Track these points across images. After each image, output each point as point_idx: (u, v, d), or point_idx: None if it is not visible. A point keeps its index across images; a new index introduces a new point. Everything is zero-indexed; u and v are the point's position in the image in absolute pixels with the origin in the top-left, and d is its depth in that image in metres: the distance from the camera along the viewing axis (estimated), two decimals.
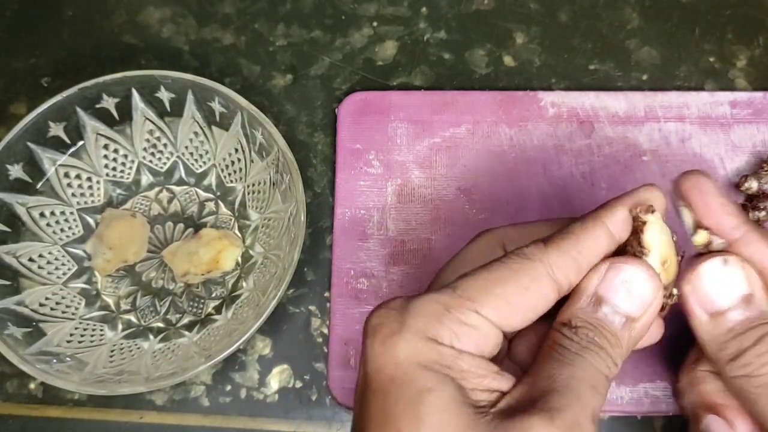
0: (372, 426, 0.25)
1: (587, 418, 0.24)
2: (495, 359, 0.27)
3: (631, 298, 0.26)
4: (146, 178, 0.44)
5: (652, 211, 0.27)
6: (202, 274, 0.41)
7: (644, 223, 0.27)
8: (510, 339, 0.30)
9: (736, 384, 0.27)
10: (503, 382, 0.26)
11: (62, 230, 0.43)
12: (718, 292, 0.28)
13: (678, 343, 0.41)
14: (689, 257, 0.29)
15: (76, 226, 0.43)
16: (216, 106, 0.42)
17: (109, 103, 0.42)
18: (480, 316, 0.25)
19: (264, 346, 0.42)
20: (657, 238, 0.27)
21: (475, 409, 0.25)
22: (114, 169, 0.44)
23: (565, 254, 0.26)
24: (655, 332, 0.29)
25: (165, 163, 0.44)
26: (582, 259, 0.27)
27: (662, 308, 0.28)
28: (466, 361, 0.25)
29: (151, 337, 0.41)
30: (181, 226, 0.44)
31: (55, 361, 0.38)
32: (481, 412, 0.25)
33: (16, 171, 0.40)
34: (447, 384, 0.24)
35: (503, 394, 0.26)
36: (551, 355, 0.26)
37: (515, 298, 0.26)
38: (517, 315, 0.26)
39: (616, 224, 0.28)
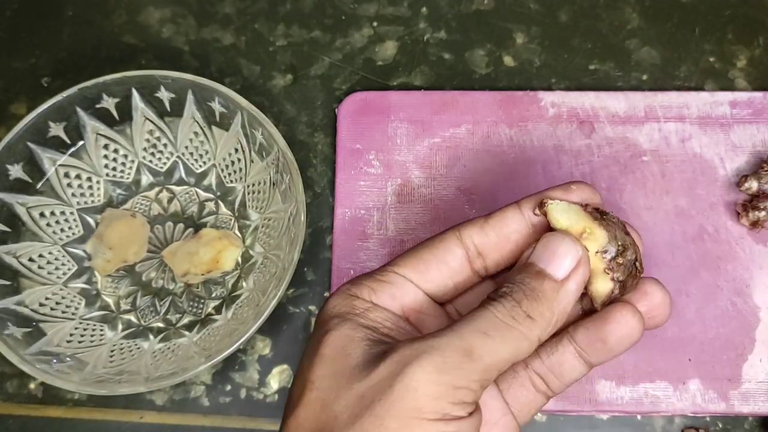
0: (294, 379, 0.28)
1: (453, 348, 0.25)
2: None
3: (556, 261, 0.28)
4: (146, 178, 0.44)
5: (550, 202, 0.30)
6: (202, 274, 0.41)
7: (545, 212, 0.29)
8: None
9: None
10: (407, 334, 0.28)
11: (62, 230, 0.43)
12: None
13: (677, 343, 0.41)
14: None
15: (76, 226, 0.43)
16: (216, 106, 0.42)
17: (109, 103, 0.42)
18: (396, 274, 0.29)
19: (264, 346, 0.42)
20: (559, 216, 0.29)
21: (369, 343, 0.27)
22: (114, 169, 0.44)
23: (472, 222, 0.30)
24: (660, 313, 0.30)
25: (165, 163, 0.44)
26: (486, 227, 0.29)
27: (624, 282, 0.29)
28: (376, 312, 0.28)
29: (151, 337, 0.41)
30: (181, 226, 0.44)
31: (55, 361, 0.38)
32: (373, 346, 0.27)
33: (16, 171, 0.40)
34: (346, 323, 0.27)
35: None
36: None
37: (425, 255, 0.29)
38: (431, 269, 0.29)
39: (524, 201, 0.30)
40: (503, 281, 0.28)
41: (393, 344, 0.26)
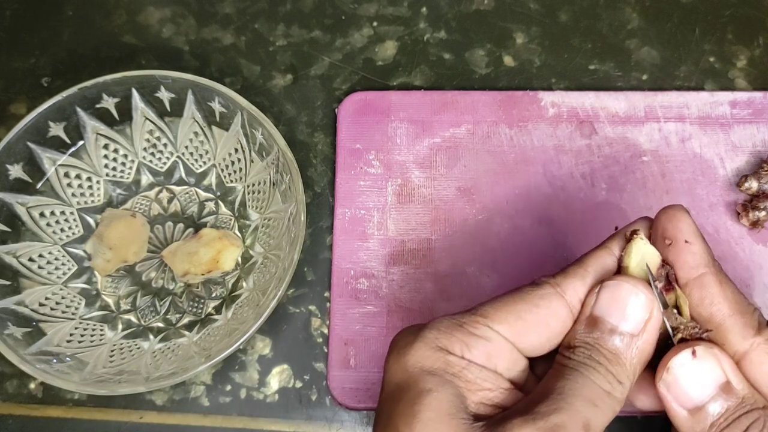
0: (378, 428, 0.26)
1: (575, 425, 0.24)
2: (523, 389, 0.27)
3: (625, 316, 0.26)
4: (146, 178, 0.44)
5: (637, 233, 0.28)
6: (202, 274, 0.41)
7: (629, 242, 0.28)
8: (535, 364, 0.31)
9: None
10: (512, 397, 0.26)
11: (62, 230, 0.43)
12: (693, 385, 0.26)
13: None
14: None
15: (76, 226, 0.43)
16: (216, 106, 0.42)
17: (109, 103, 0.42)
18: (491, 329, 0.26)
19: (264, 346, 0.42)
20: (638, 254, 0.27)
21: (470, 417, 0.25)
22: (114, 169, 0.44)
23: (571, 275, 0.27)
24: None
25: (165, 163, 0.44)
26: (589, 277, 0.27)
27: (677, 330, 0.27)
28: (474, 371, 0.26)
29: (151, 337, 0.41)
30: (181, 226, 0.44)
31: (55, 361, 0.38)
32: (476, 419, 0.25)
33: (16, 171, 0.40)
34: (446, 387, 0.25)
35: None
36: (552, 375, 0.26)
37: (526, 314, 0.27)
38: (530, 331, 0.27)
39: (618, 245, 0.28)
40: (573, 338, 0.27)
41: (504, 416, 0.25)
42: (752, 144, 0.44)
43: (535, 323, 0.27)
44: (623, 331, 0.26)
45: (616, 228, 0.42)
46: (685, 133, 0.44)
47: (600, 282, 0.27)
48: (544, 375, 0.29)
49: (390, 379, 0.27)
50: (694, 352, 0.26)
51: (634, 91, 0.46)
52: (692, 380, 0.26)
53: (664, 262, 0.28)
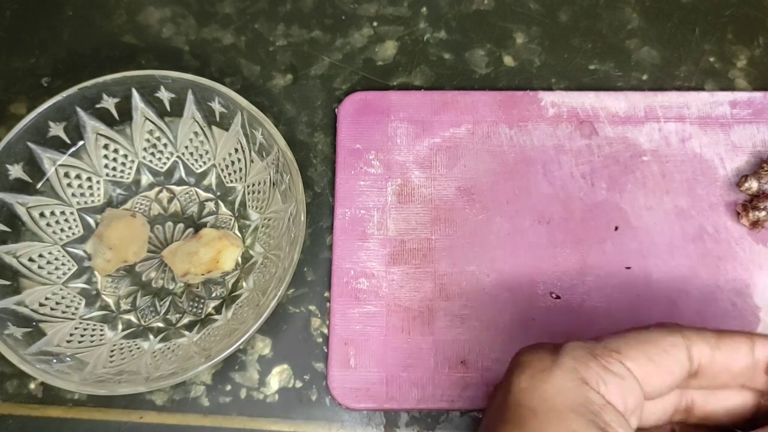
0: None
1: None
2: None
3: None
4: (146, 178, 0.44)
5: None
6: (202, 274, 0.41)
7: None
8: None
9: None
10: None
11: (62, 230, 0.43)
12: None
13: None
14: None
15: (76, 226, 0.43)
16: (216, 106, 0.42)
17: (109, 103, 0.42)
18: (624, 366, 0.26)
19: (264, 346, 0.42)
20: None
21: None
22: (114, 169, 0.44)
23: (702, 336, 0.27)
24: None
25: (165, 163, 0.44)
26: (718, 350, 0.27)
27: None
28: (610, 414, 0.25)
29: (151, 337, 0.41)
30: (181, 226, 0.44)
31: (55, 361, 0.38)
32: None
33: (16, 171, 0.40)
34: (592, 430, 0.24)
35: None
36: None
37: (656, 356, 0.26)
38: (656, 375, 0.26)
39: (760, 346, 0.27)
40: None
41: None
42: (752, 144, 0.44)
43: (663, 368, 0.26)
44: None
45: (616, 228, 0.42)
46: (685, 133, 0.44)
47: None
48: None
49: (521, 402, 0.26)
50: None
51: (634, 91, 0.46)
52: None
53: None
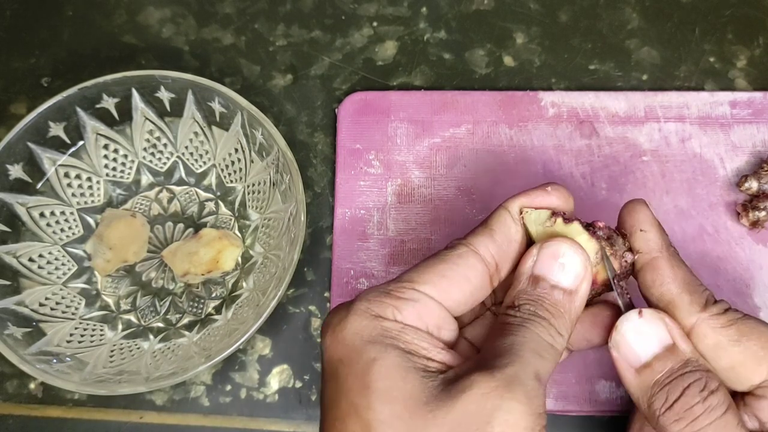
0: (328, 408, 0.27)
1: (528, 375, 0.26)
2: (455, 350, 0.29)
3: (565, 272, 0.28)
4: (146, 178, 0.44)
5: (521, 211, 0.30)
6: (202, 274, 0.41)
7: (522, 219, 0.30)
8: (464, 330, 0.32)
9: None
10: (449, 356, 0.28)
11: (62, 230, 0.43)
12: (639, 344, 0.28)
13: None
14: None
15: (76, 226, 0.43)
16: (216, 106, 0.42)
17: (109, 103, 0.42)
18: (417, 291, 0.28)
19: (264, 346, 0.42)
20: (532, 223, 0.30)
21: (422, 373, 0.26)
22: (114, 169, 0.44)
23: (479, 234, 0.30)
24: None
25: (165, 163, 0.44)
26: (495, 235, 0.30)
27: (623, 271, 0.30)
28: (410, 333, 0.27)
29: (151, 337, 0.41)
30: (181, 226, 0.44)
31: (55, 361, 0.38)
32: (428, 377, 0.26)
33: (16, 171, 0.40)
34: (391, 351, 0.26)
35: (450, 368, 0.27)
36: (497, 332, 0.28)
37: (447, 272, 0.28)
38: (453, 287, 0.28)
39: (513, 209, 0.30)
40: (517, 293, 0.28)
41: (458, 373, 0.26)
42: (752, 144, 0.44)
43: (457, 279, 0.28)
44: (564, 287, 0.28)
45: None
46: (685, 133, 0.44)
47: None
48: (475, 338, 0.32)
49: (330, 358, 0.28)
50: (640, 313, 0.29)
51: (634, 91, 0.46)
52: (639, 338, 0.28)
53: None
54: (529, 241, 0.31)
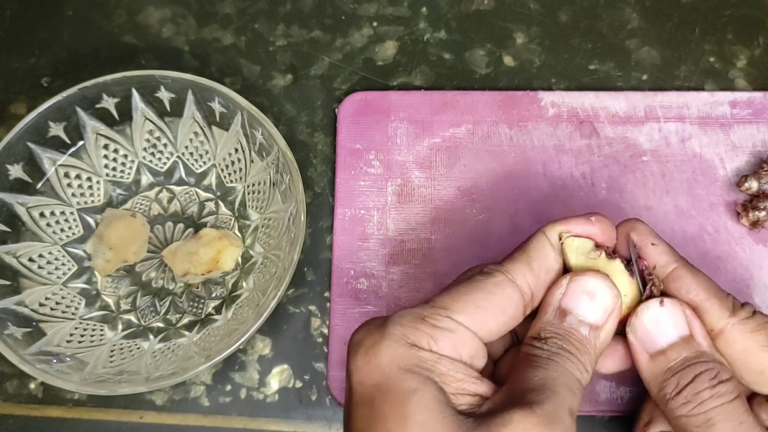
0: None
1: (565, 413, 0.26)
2: (483, 374, 0.29)
3: (594, 307, 0.28)
4: (146, 178, 0.44)
5: (561, 236, 0.30)
6: (202, 274, 0.41)
7: (561, 245, 0.30)
8: (495, 361, 0.32)
9: (678, 425, 0.28)
10: (483, 386, 0.27)
11: (62, 230, 0.43)
12: (657, 332, 0.29)
13: None
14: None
15: (76, 226, 0.43)
16: (216, 106, 0.42)
17: (109, 103, 0.42)
18: (453, 320, 0.28)
19: (264, 346, 0.42)
20: (571, 250, 0.30)
21: (457, 410, 0.26)
22: (114, 169, 0.44)
23: (517, 261, 0.29)
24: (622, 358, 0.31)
25: (165, 163, 0.44)
26: (534, 263, 0.29)
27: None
28: (445, 364, 0.27)
29: (151, 337, 0.41)
30: (181, 226, 0.44)
31: (55, 361, 0.38)
32: (464, 413, 0.26)
33: (16, 171, 0.40)
34: (430, 385, 0.26)
35: (484, 399, 0.27)
36: (525, 364, 0.28)
37: (483, 302, 0.28)
38: (489, 318, 0.28)
39: (552, 236, 0.30)
40: (542, 326, 0.28)
41: (492, 409, 0.26)
42: (752, 144, 0.44)
43: (493, 311, 0.28)
44: (590, 323, 0.28)
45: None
46: (685, 133, 0.44)
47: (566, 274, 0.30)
48: (497, 357, 0.32)
49: (362, 382, 0.27)
50: (662, 302, 0.29)
51: (634, 91, 0.46)
52: (657, 326, 0.29)
53: (597, 245, 0.30)
54: (564, 268, 0.31)
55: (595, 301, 0.28)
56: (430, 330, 0.27)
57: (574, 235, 0.30)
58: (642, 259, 0.30)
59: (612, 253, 0.30)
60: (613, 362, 0.31)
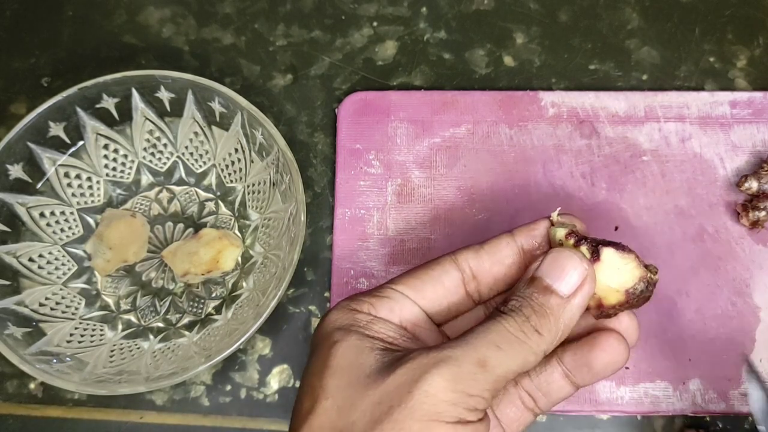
0: (301, 391, 0.29)
1: (468, 359, 0.26)
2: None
3: (562, 277, 0.29)
4: (146, 178, 0.44)
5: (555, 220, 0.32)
6: (202, 274, 0.41)
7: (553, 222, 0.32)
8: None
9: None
10: (415, 344, 0.29)
11: (62, 230, 0.43)
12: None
13: (677, 343, 0.41)
14: None
15: (76, 226, 0.43)
16: (216, 106, 0.42)
17: (109, 103, 0.42)
18: (393, 290, 0.30)
19: (264, 346, 0.42)
20: (554, 242, 0.31)
21: (378, 353, 0.28)
22: (114, 169, 0.44)
23: (468, 249, 0.31)
24: (628, 335, 0.31)
25: (165, 163, 0.44)
26: (482, 251, 0.31)
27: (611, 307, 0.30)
28: (378, 323, 0.29)
29: (151, 337, 0.41)
30: (181, 226, 0.44)
31: (55, 361, 0.38)
32: (383, 356, 0.27)
33: (16, 171, 0.40)
34: (352, 335, 0.28)
35: None
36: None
37: (422, 275, 0.31)
38: (427, 288, 0.30)
39: (517, 231, 0.32)
40: (511, 294, 0.29)
41: (406, 352, 0.27)
42: (752, 144, 0.44)
43: (431, 282, 0.30)
44: (556, 290, 0.28)
45: (616, 228, 0.42)
46: (685, 133, 0.44)
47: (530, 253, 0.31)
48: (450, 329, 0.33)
49: (313, 342, 0.30)
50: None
51: (634, 91, 0.46)
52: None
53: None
54: None
55: (564, 271, 0.29)
56: (371, 298, 0.30)
57: (557, 225, 0.31)
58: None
59: (579, 239, 0.30)
60: (598, 356, 0.31)
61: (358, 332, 0.28)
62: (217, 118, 0.43)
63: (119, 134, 0.43)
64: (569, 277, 0.28)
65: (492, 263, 0.31)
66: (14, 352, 0.36)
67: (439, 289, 0.31)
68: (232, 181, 0.44)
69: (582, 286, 0.28)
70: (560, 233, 0.30)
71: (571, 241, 0.30)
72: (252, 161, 0.43)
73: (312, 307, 0.43)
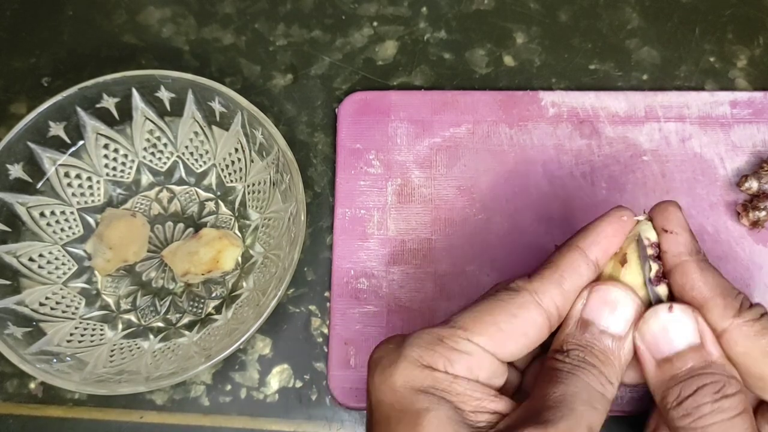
0: None
1: (581, 429, 0.25)
2: (505, 391, 0.28)
3: (615, 317, 0.28)
4: (146, 178, 0.44)
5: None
6: (202, 274, 0.41)
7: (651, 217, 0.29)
8: (522, 371, 0.32)
9: None
10: (502, 404, 0.27)
11: (62, 230, 0.43)
12: (664, 338, 0.28)
13: None
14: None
15: (76, 225, 0.43)
16: (216, 105, 0.42)
17: (109, 102, 0.42)
18: (471, 342, 0.27)
19: (264, 346, 0.42)
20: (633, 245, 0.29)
21: (473, 429, 0.26)
22: (114, 168, 0.44)
23: (547, 281, 0.28)
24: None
25: (165, 163, 0.44)
26: (566, 283, 0.28)
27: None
28: (461, 384, 0.27)
29: (151, 336, 0.41)
30: (181, 225, 0.44)
31: (55, 360, 0.38)
32: (482, 429, 0.26)
33: (16, 171, 0.40)
34: (443, 404, 0.26)
35: (503, 416, 0.27)
36: (546, 379, 0.27)
37: (505, 325, 0.27)
38: (509, 341, 0.27)
39: (589, 247, 0.29)
40: (566, 339, 0.28)
41: (513, 427, 0.25)
42: (752, 144, 0.44)
43: (515, 334, 0.28)
44: (613, 333, 0.27)
45: None
46: (685, 132, 0.44)
47: (574, 285, 0.29)
48: (521, 367, 0.31)
49: (380, 400, 0.27)
50: (671, 308, 0.28)
51: (634, 90, 0.46)
52: (664, 332, 0.28)
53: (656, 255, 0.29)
54: None
55: (616, 311, 0.27)
56: (447, 352, 0.27)
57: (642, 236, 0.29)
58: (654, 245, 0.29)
59: (661, 278, 0.29)
60: (636, 372, 0.30)
61: (446, 400, 0.26)
62: (217, 118, 0.43)
63: (119, 134, 0.43)
64: (622, 317, 0.27)
65: (574, 295, 0.29)
66: (14, 352, 0.36)
67: (523, 341, 0.28)
68: (232, 181, 0.44)
69: (634, 321, 0.28)
70: (647, 250, 0.28)
71: (653, 271, 0.28)
72: (252, 161, 0.43)
73: (312, 307, 0.43)
